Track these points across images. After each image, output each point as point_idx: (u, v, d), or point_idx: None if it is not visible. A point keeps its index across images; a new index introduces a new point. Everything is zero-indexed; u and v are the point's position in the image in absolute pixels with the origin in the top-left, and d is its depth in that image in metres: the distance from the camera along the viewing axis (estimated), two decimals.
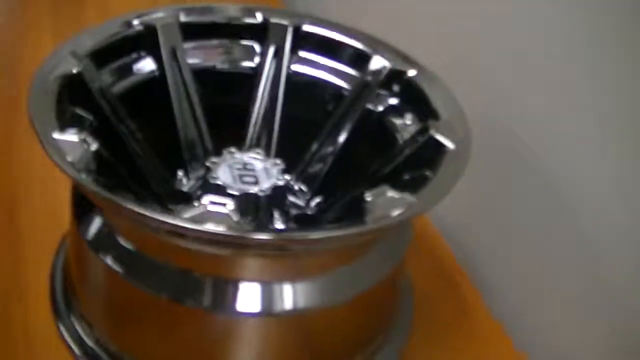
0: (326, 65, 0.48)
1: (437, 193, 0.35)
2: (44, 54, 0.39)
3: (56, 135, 0.35)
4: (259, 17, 0.48)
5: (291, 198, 0.45)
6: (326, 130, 0.47)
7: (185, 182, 0.46)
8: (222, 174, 0.42)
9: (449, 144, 0.39)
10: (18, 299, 0.44)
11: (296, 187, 0.46)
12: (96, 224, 0.39)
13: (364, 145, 0.46)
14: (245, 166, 0.43)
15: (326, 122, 0.47)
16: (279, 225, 0.43)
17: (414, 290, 0.47)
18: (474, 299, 0.49)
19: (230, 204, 0.32)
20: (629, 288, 0.42)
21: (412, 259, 0.43)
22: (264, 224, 0.42)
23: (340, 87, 0.47)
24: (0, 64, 0.64)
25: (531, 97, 0.47)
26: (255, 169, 0.43)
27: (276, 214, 0.43)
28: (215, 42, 0.48)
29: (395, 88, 0.46)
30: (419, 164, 0.40)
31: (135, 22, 0.45)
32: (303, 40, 0.48)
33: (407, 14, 0.60)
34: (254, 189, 0.42)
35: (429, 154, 0.40)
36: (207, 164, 0.43)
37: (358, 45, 0.47)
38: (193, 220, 0.32)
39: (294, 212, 0.45)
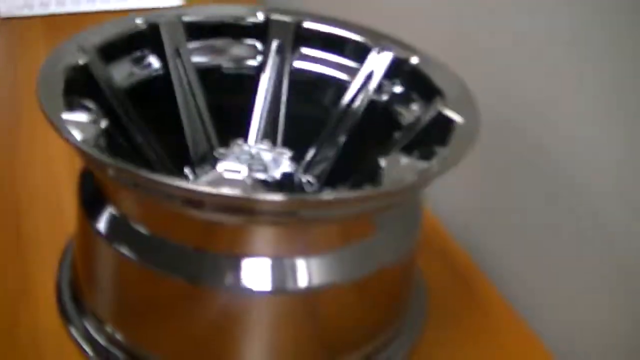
0: (329, 60, 0.48)
1: (450, 160, 0.35)
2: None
3: (65, 116, 0.35)
4: (260, 16, 0.48)
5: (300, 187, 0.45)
6: (331, 123, 0.47)
7: (192, 177, 0.45)
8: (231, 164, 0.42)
9: (458, 119, 0.39)
10: (25, 303, 0.44)
11: (304, 180, 0.46)
12: (107, 212, 0.38)
13: (371, 136, 0.46)
14: (253, 156, 0.43)
15: (331, 115, 0.47)
16: None
17: (426, 283, 0.47)
18: (487, 291, 0.48)
19: (244, 171, 0.32)
20: None
21: (422, 255, 0.43)
22: None
23: (344, 81, 0.48)
24: None
25: (539, 90, 0.48)
26: (264, 158, 0.43)
27: None
28: (217, 41, 0.48)
29: (399, 76, 0.46)
30: (429, 141, 0.39)
31: (139, 21, 0.45)
32: (304, 37, 0.48)
33: (395, 5, 0.60)
34: (263, 176, 0.42)
35: (438, 130, 0.40)
36: (215, 154, 0.43)
37: (358, 38, 0.48)
38: (208, 185, 0.31)
39: None
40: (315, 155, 0.47)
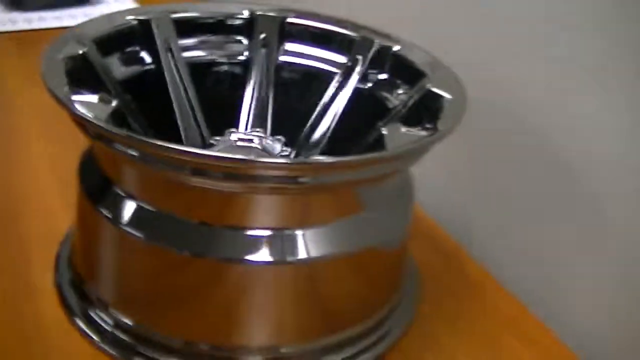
0: (313, 53, 0.50)
1: (447, 127, 0.37)
2: None
3: (75, 97, 0.36)
4: (246, 13, 0.50)
5: None
6: (319, 112, 0.49)
7: None
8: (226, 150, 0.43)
9: (446, 94, 0.41)
10: (27, 299, 0.44)
11: None
12: (112, 194, 0.39)
13: (359, 122, 0.48)
14: (248, 142, 0.45)
15: (317, 106, 0.49)
16: None
17: (417, 265, 0.49)
18: (476, 270, 0.51)
19: (257, 140, 0.34)
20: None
21: (411, 242, 0.45)
22: None
23: (330, 72, 0.49)
24: None
25: (523, 68, 0.50)
26: (257, 143, 0.45)
27: None
28: (206, 36, 0.50)
29: (383, 64, 0.48)
30: (420, 117, 0.41)
31: (130, 17, 0.47)
32: (289, 31, 0.50)
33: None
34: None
35: (428, 107, 0.42)
36: (211, 141, 0.44)
37: (341, 30, 0.50)
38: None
39: None
40: (306, 141, 0.48)
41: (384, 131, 0.37)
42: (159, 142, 0.32)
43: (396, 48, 0.48)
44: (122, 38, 0.46)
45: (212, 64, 0.50)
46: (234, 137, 0.45)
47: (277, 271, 0.38)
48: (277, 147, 0.45)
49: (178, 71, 0.48)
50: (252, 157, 0.33)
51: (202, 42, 0.50)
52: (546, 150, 0.49)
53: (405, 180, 0.43)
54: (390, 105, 0.46)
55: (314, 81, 0.50)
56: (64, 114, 0.35)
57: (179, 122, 0.47)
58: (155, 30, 0.47)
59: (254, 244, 0.37)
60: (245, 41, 0.51)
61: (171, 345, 0.40)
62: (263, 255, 0.37)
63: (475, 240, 0.54)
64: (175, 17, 0.48)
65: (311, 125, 0.49)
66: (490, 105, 0.52)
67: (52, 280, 0.45)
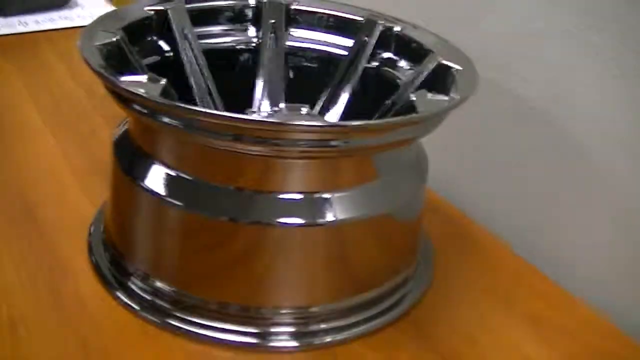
0: (320, 38, 0.54)
1: (466, 90, 0.41)
2: None
3: (123, 78, 0.38)
4: (252, 1, 0.53)
5: None
6: (330, 92, 0.52)
7: None
8: None
9: (457, 66, 0.45)
10: (65, 283, 0.46)
11: None
12: (151, 168, 0.42)
13: (369, 100, 0.51)
14: (274, 112, 0.47)
15: (328, 86, 0.52)
16: None
17: (428, 234, 0.52)
18: (482, 236, 0.54)
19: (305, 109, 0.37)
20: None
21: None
22: None
23: (337, 54, 0.53)
24: None
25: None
26: (283, 111, 0.48)
27: None
28: (218, 24, 0.52)
29: (388, 44, 0.51)
30: (433, 88, 0.45)
31: (147, 8, 0.49)
32: (296, 17, 0.53)
33: None
34: None
35: (440, 78, 0.45)
36: None
37: (346, 14, 0.53)
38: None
39: None
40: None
41: (413, 97, 0.41)
42: (211, 110, 0.36)
43: (398, 28, 0.51)
44: (144, 27, 0.48)
45: (225, 50, 0.53)
46: (256, 116, 0.47)
47: (308, 233, 0.41)
48: (303, 110, 0.48)
49: (195, 58, 0.50)
50: (297, 120, 0.36)
51: (214, 30, 0.52)
52: (545, 121, 0.53)
53: (419, 151, 0.46)
54: (400, 82, 0.49)
55: (323, 63, 0.53)
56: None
57: (198, 104, 0.50)
58: (172, 20, 0.49)
59: (287, 208, 0.40)
60: (254, 28, 0.53)
61: (207, 307, 0.43)
62: (295, 218, 0.40)
63: (479, 207, 0.57)
64: (188, 7, 0.51)
65: (323, 105, 0.52)
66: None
67: (87, 261, 0.47)
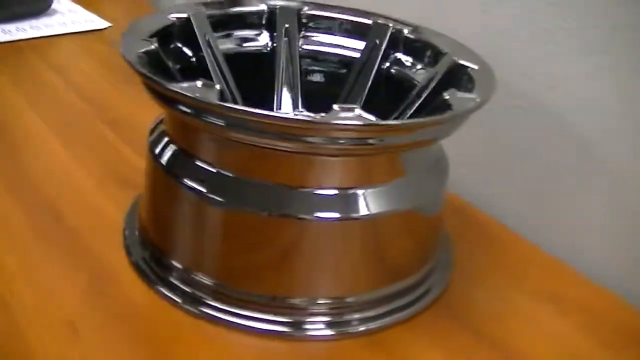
0: (332, 41, 0.56)
1: (489, 88, 0.44)
2: None
3: (175, 86, 0.40)
4: (263, 6, 0.56)
5: None
6: (345, 93, 0.55)
7: None
8: None
9: (473, 65, 0.48)
10: (109, 284, 0.48)
11: None
12: (194, 167, 0.44)
13: (383, 101, 0.54)
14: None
15: (343, 88, 0.55)
16: None
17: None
18: (491, 223, 0.58)
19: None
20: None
21: None
22: None
23: (350, 57, 0.56)
24: None
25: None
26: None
27: None
28: (234, 30, 0.55)
29: (399, 46, 0.55)
30: (449, 89, 0.48)
31: (171, 16, 0.51)
32: (307, 22, 0.56)
33: None
34: None
35: (456, 78, 0.49)
36: None
37: (355, 18, 0.56)
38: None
39: None
40: None
41: (446, 96, 0.44)
42: (259, 110, 0.38)
43: (408, 30, 0.54)
44: (169, 35, 0.50)
45: (242, 55, 0.55)
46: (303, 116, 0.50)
47: (344, 227, 0.44)
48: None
49: (218, 63, 0.52)
50: (338, 119, 0.39)
51: (231, 36, 0.55)
52: (548, 113, 0.58)
53: (440, 149, 0.50)
54: (416, 82, 0.52)
55: (337, 66, 0.56)
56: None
57: None
58: (195, 26, 0.52)
59: (324, 203, 0.43)
60: (268, 33, 0.56)
61: (246, 299, 0.45)
62: (332, 212, 0.43)
63: (482, 196, 0.61)
64: (209, 14, 0.53)
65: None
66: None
67: (126, 262, 0.49)
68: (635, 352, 0.47)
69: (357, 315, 0.46)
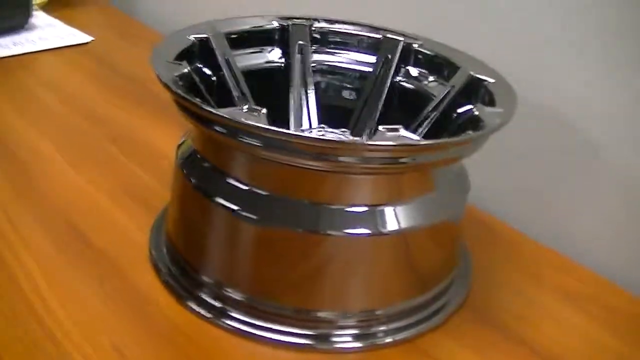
0: (345, 56, 0.58)
1: (511, 103, 0.47)
2: None
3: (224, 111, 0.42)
4: (275, 24, 0.57)
5: None
6: (359, 107, 0.57)
7: None
8: None
9: (490, 79, 0.51)
10: (145, 302, 0.49)
11: None
12: (226, 185, 0.46)
13: (398, 113, 0.56)
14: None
15: (357, 101, 0.57)
16: None
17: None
18: (501, 226, 0.61)
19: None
20: None
21: None
22: None
23: (363, 71, 0.58)
24: None
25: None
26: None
27: None
28: (250, 47, 0.56)
29: (411, 59, 0.57)
30: (467, 102, 0.51)
31: (191, 37, 0.52)
32: (319, 37, 0.58)
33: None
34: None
35: (474, 91, 0.51)
36: None
37: (366, 33, 0.58)
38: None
39: None
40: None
41: (476, 112, 0.46)
42: (298, 132, 0.39)
43: (418, 44, 0.56)
44: (190, 55, 0.52)
45: (258, 72, 0.56)
46: (315, 132, 0.52)
47: (375, 242, 0.46)
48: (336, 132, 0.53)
49: (237, 81, 0.54)
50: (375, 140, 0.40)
51: (247, 54, 0.56)
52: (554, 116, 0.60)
53: (461, 163, 0.52)
54: (429, 95, 0.55)
55: (350, 80, 0.58)
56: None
57: None
58: (214, 46, 0.53)
59: (355, 219, 0.45)
60: (280, 50, 0.58)
61: (281, 313, 0.47)
62: (363, 228, 0.45)
63: (489, 200, 0.64)
64: (226, 32, 0.54)
65: (355, 121, 0.57)
66: None
67: (156, 280, 0.51)
68: None
69: (384, 327, 0.48)
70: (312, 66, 0.58)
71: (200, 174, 0.48)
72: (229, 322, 0.47)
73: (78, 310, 0.47)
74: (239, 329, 0.47)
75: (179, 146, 0.51)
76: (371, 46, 0.58)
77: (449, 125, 0.51)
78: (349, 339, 0.47)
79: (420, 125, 0.54)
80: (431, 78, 0.56)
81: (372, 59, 0.58)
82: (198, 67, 0.53)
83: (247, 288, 0.47)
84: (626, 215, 0.58)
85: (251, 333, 0.47)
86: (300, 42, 0.58)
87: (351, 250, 0.46)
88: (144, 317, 0.48)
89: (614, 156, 0.57)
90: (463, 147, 0.44)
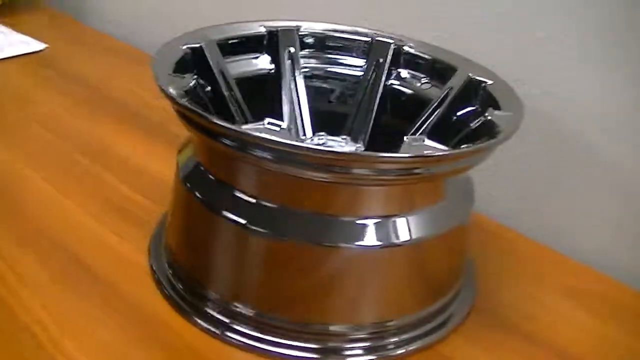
0: (337, 60, 0.58)
1: (517, 106, 0.47)
2: None
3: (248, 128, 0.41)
4: (263, 29, 0.57)
5: None
6: (353, 112, 0.57)
7: None
8: None
9: (488, 80, 0.51)
10: (148, 323, 0.48)
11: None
12: (233, 198, 0.45)
13: (393, 117, 0.56)
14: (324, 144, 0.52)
15: (351, 106, 0.57)
16: None
17: None
18: (507, 232, 0.62)
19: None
20: None
21: None
22: None
23: (355, 75, 0.58)
24: None
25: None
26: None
27: None
28: (240, 54, 0.55)
29: (403, 62, 0.57)
30: (466, 104, 0.51)
31: (184, 46, 0.51)
32: (308, 42, 0.58)
33: None
34: None
35: (472, 94, 0.51)
36: None
37: (356, 37, 0.58)
38: None
39: None
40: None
41: (489, 116, 0.46)
42: (308, 145, 0.39)
43: (409, 46, 0.57)
44: (184, 65, 0.50)
45: (249, 79, 0.55)
46: (316, 139, 0.52)
47: (387, 253, 0.45)
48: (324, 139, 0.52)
49: (230, 89, 0.53)
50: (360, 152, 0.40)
51: (237, 61, 0.55)
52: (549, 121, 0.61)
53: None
54: (425, 98, 0.55)
55: (342, 85, 0.58)
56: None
57: None
58: (208, 55, 0.52)
59: (367, 231, 0.44)
60: (270, 56, 0.57)
61: (288, 327, 0.46)
62: (374, 240, 0.44)
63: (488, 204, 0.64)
64: (216, 39, 0.53)
65: (350, 127, 0.56)
66: None
67: (161, 299, 0.50)
68: None
69: (396, 339, 0.48)
70: (304, 72, 0.57)
71: (205, 187, 0.47)
72: (237, 337, 0.47)
73: (87, 341, 0.46)
74: (248, 344, 0.46)
75: (180, 159, 0.49)
76: (361, 50, 0.58)
77: (450, 129, 0.52)
78: (360, 352, 0.47)
79: (418, 129, 0.54)
80: (424, 80, 0.56)
81: (362, 62, 0.58)
82: (195, 77, 0.52)
83: (256, 303, 0.47)
84: (626, 214, 0.59)
85: (260, 348, 0.46)
86: (290, 47, 0.57)
87: (364, 262, 0.45)
88: (153, 338, 0.47)
89: (611, 156, 0.59)
90: (483, 155, 0.44)
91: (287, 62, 0.57)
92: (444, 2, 0.66)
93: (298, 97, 0.57)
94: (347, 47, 0.58)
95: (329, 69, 0.58)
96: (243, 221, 0.45)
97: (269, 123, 0.41)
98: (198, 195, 0.47)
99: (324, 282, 0.45)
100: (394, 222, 0.45)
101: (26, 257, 0.52)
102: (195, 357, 0.45)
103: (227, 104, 0.53)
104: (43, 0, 1.03)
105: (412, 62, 0.57)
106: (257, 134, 0.40)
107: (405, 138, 0.41)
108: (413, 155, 0.42)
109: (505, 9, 0.62)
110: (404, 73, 0.57)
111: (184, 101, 0.43)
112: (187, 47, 0.52)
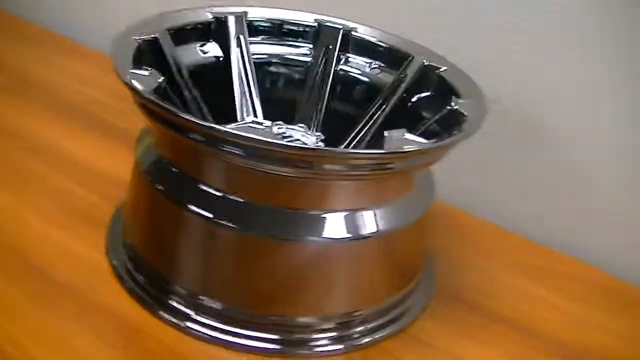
0: (284, 46, 0.59)
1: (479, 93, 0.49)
2: None
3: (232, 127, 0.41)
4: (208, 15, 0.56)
5: None
6: (303, 99, 0.58)
7: None
8: None
9: (442, 67, 0.53)
10: (126, 324, 0.47)
11: None
12: (200, 193, 0.45)
13: (345, 103, 0.57)
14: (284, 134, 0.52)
15: (302, 92, 0.58)
16: None
17: None
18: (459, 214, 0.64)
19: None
20: None
21: None
22: None
23: (305, 61, 0.58)
24: None
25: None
26: (294, 136, 0.52)
27: None
28: (190, 42, 0.55)
29: (353, 48, 0.58)
30: (426, 87, 0.53)
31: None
32: (256, 28, 0.58)
33: None
34: None
35: (427, 80, 0.53)
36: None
37: (305, 21, 0.59)
38: None
39: None
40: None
41: (455, 106, 0.48)
42: (292, 144, 0.40)
43: (358, 32, 0.58)
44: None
45: (200, 67, 0.55)
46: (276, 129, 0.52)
47: (356, 246, 0.46)
48: (313, 139, 0.53)
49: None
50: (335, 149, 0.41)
51: (188, 50, 0.54)
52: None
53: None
54: (378, 84, 0.56)
55: (291, 70, 0.59)
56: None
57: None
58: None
59: (336, 224, 0.45)
60: (218, 43, 0.56)
61: (257, 321, 0.47)
62: (344, 232, 0.45)
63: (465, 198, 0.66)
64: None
65: (301, 113, 0.57)
66: None
67: (128, 298, 0.49)
68: (600, 299, 0.56)
69: (361, 328, 0.48)
70: (254, 58, 0.57)
71: (169, 181, 0.46)
72: (202, 329, 0.46)
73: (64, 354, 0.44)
74: (212, 336, 0.46)
75: (140, 152, 0.49)
76: (309, 35, 0.58)
77: (407, 116, 0.53)
78: (327, 342, 0.48)
79: (372, 116, 0.55)
80: (374, 65, 0.57)
81: (311, 48, 0.58)
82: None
83: (222, 296, 0.47)
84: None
85: (224, 340, 0.46)
86: (238, 34, 0.56)
87: (331, 256, 0.46)
88: (126, 338, 0.46)
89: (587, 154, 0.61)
90: (454, 146, 0.45)
91: (236, 50, 0.56)
92: None
93: (249, 85, 0.57)
94: (295, 32, 0.58)
95: (278, 55, 0.58)
96: (209, 215, 0.44)
97: (252, 121, 0.41)
98: (161, 188, 0.46)
99: (291, 275, 0.46)
100: (362, 215, 0.45)
101: None
102: (164, 351, 0.45)
103: (182, 93, 0.52)
104: None
105: (362, 47, 0.58)
106: (237, 132, 0.39)
107: (385, 133, 0.42)
108: (416, 148, 0.42)
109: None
110: (354, 58, 0.58)
111: (153, 97, 0.42)
112: (140, 39, 0.50)
